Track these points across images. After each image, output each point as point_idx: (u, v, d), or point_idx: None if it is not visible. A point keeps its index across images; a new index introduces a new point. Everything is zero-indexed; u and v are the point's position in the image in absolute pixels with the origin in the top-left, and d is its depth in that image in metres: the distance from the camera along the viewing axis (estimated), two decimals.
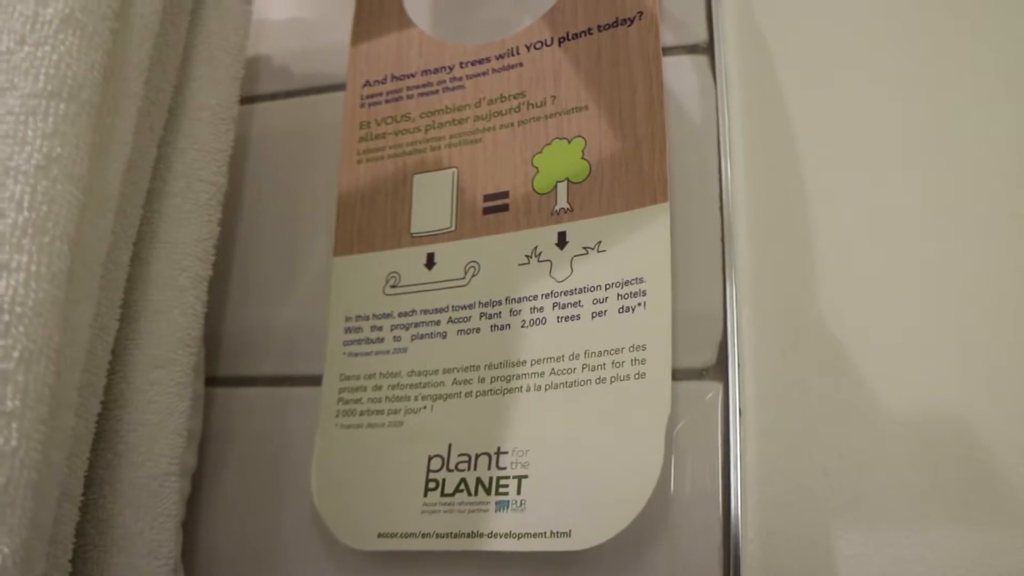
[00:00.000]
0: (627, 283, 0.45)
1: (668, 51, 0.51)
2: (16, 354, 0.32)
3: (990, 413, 0.43)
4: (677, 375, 0.45)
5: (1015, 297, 0.44)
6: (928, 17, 0.49)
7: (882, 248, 0.46)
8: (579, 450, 0.43)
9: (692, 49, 0.52)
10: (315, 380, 0.52)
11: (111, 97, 0.40)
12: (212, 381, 0.55)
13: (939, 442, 0.43)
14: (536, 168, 0.49)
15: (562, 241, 0.47)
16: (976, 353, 0.44)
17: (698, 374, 0.46)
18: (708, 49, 0.51)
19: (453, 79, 0.53)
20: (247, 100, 0.55)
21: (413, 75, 0.54)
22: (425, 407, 0.47)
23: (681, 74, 0.51)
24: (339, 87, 0.58)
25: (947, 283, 0.45)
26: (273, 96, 0.62)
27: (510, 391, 0.46)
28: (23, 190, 0.34)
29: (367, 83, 0.55)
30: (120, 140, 0.41)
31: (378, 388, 0.48)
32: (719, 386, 0.46)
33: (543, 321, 0.46)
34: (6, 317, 0.33)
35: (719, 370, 0.46)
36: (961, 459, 0.42)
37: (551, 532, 0.42)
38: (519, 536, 0.42)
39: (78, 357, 0.39)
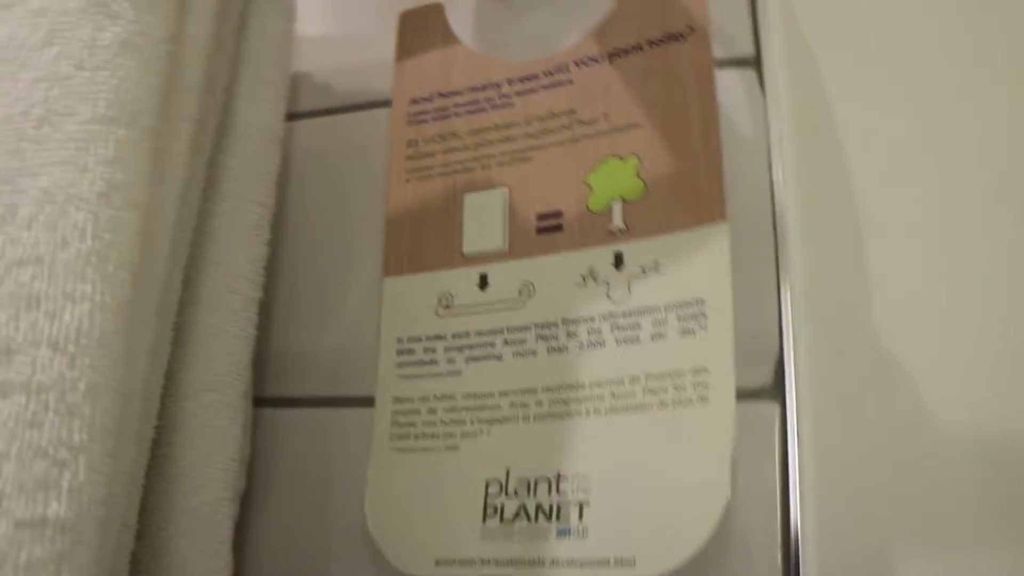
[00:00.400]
0: (687, 304, 0.44)
1: (715, 64, 0.50)
2: (83, 386, 0.32)
3: None
4: (734, 394, 0.44)
5: None
6: (978, 27, 0.49)
7: (937, 262, 0.46)
8: (641, 476, 0.43)
9: (740, 63, 0.51)
10: (362, 401, 0.51)
11: (168, 120, 0.40)
12: (258, 402, 0.54)
13: (1002, 460, 0.42)
14: (589, 187, 0.48)
15: (619, 262, 0.46)
16: None
17: (755, 394, 0.45)
18: (756, 63, 0.51)
19: (501, 96, 0.52)
20: (288, 118, 0.55)
21: (460, 92, 0.53)
22: (481, 431, 0.46)
23: (729, 88, 0.51)
24: (381, 104, 0.58)
25: (1004, 297, 0.44)
26: (313, 113, 0.61)
27: (569, 415, 0.45)
28: (85, 218, 0.34)
29: (413, 100, 0.54)
30: (175, 163, 0.41)
31: (432, 411, 0.48)
32: (776, 406, 0.45)
33: (601, 343, 0.46)
34: (72, 348, 0.32)
35: (776, 390, 0.45)
36: (1022, 476, 0.41)
37: (614, 560, 0.41)
38: (581, 564, 0.42)
39: (137, 386, 0.39)
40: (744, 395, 0.45)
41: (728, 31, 0.52)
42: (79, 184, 0.34)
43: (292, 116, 0.60)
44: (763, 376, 0.46)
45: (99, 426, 0.32)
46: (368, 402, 0.50)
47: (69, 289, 0.33)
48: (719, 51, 0.51)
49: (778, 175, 0.49)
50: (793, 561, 0.43)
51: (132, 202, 0.35)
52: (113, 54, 0.36)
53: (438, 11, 0.56)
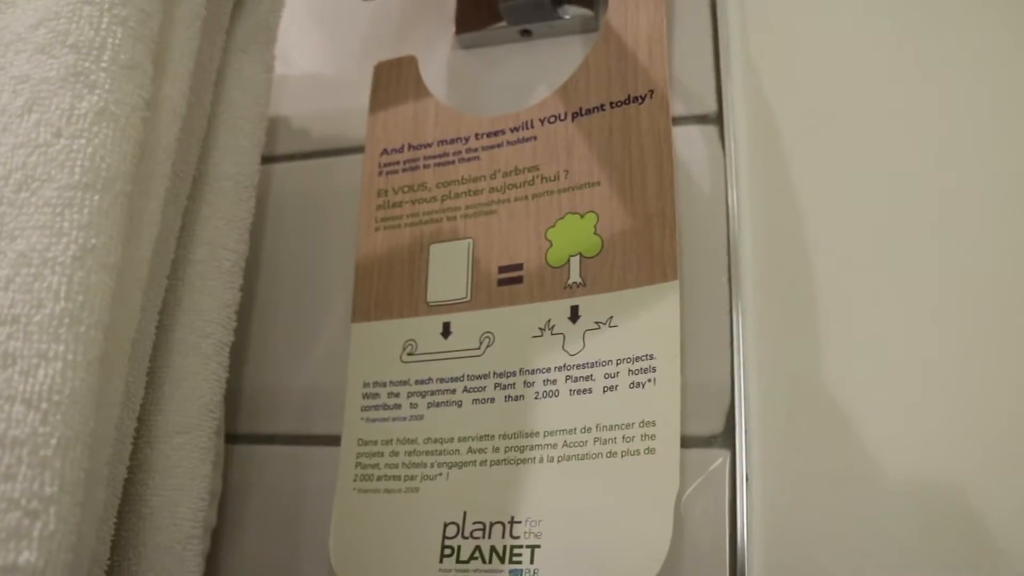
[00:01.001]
0: (638, 359, 0.46)
1: (678, 121, 0.52)
2: (54, 441, 0.34)
3: (991, 481, 0.43)
4: (686, 442, 0.46)
5: (1017, 368, 0.45)
6: (942, 77, 0.50)
7: (889, 317, 0.47)
8: (590, 522, 0.44)
9: (702, 119, 0.53)
10: (331, 440, 0.53)
11: (142, 181, 0.41)
12: (232, 438, 0.56)
13: (941, 510, 0.43)
14: (549, 241, 0.50)
15: (575, 315, 0.48)
16: (978, 422, 0.44)
17: (706, 442, 0.47)
18: (717, 119, 0.53)
19: (469, 150, 0.54)
20: (264, 160, 0.56)
21: (430, 145, 0.55)
22: (441, 474, 0.48)
23: (691, 144, 0.52)
24: (357, 150, 0.59)
25: (954, 352, 0.46)
26: (291, 157, 0.63)
27: (523, 461, 0.47)
28: (60, 281, 0.35)
29: (385, 151, 0.56)
30: (150, 221, 0.43)
31: (395, 454, 0.50)
32: (727, 453, 0.47)
33: (556, 394, 0.47)
34: (44, 405, 0.34)
35: (727, 438, 0.47)
36: (963, 527, 0.43)
37: None
38: None
39: (109, 434, 0.40)
40: (696, 442, 0.47)
41: (692, 88, 0.53)
42: (55, 248, 0.36)
43: (269, 159, 0.61)
44: (714, 425, 0.47)
45: (69, 478, 0.34)
46: (336, 440, 0.52)
47: (43, 348, 0.34)
48: (683, 108, 0.53)
49: (735, 228, 0.50)
50: None
51: (104, 264, 0.37)
52: (90, 123, 0.38)
53: (411, 63, 0.58)
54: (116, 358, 0.40)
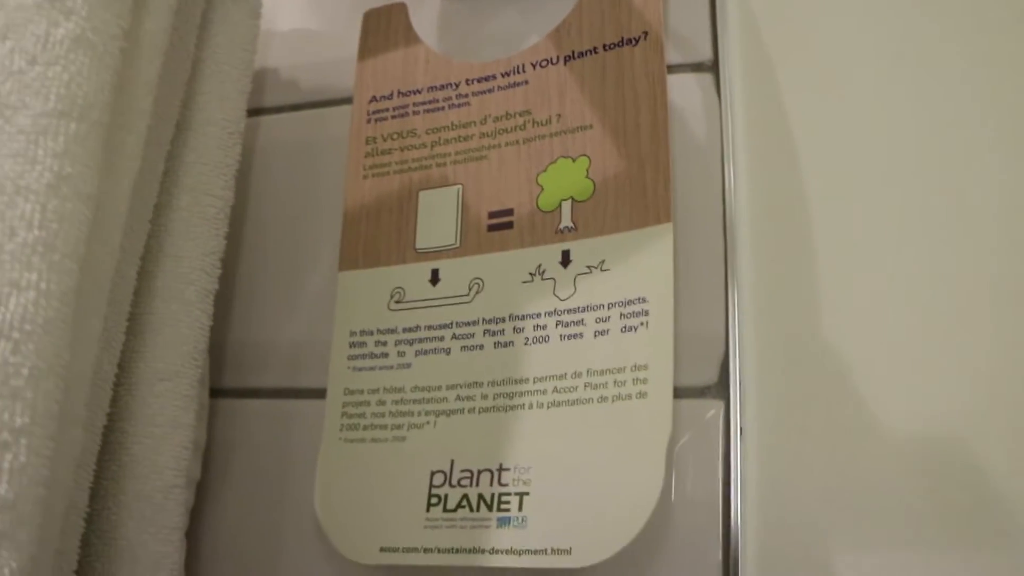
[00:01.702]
0: (630, 303, 0.45)
1: (673, 69, 0.51)
2: (26, 372, 0.33)
3: (992, 435, 0.43)
4: (679, 393, 0.45)
5: (1017, 321, 0.44)
6: (936, 32, 0.50)
7: (886, 268, 0.47)
8: (580, 468, 0.44)
9: (697, 67, 0.52)
10: (318, 393, 0.52)
11: (120, 114, 0.41)
12: (216, 392, 0.55)
13: (941, 464, 0.43)
14: (541, 186, 0.49)
15: (566, 260, 0.47)
16: (979, 375, 0.44)
17: (700, 392, 0.47)
18: (713, 67, 0.52)
19: (459, 96, 0.53)
20: (253, 112, 0.56)
21: (419, 91, 0.54)
22: (428, 422, 0.47)
23: (686, 92, 0.52)
24: (345, 101, 0.58)
25: (951, 304, 0.45)
26: (279, 109, 0.62)
27: (513, 408, 0.46)
28: (33, 209, 0.34)
29: (374, 98, 0.55)
30: (129, 157, 0.42)
31: (382, 403, 0.49)
32: (721, 404, 0.46)
33: (546, 339, 0.47)
34: (16, 335, 0.33)
35: (721, 389, 0.46)
36: (963, 481, 0.42)
37: (552, 549, 0.42)
38: (520, 552, 0.43)
39: (86, 372, 0.39)
40: (689, 393, 0.46)
41: (687, 36, 0.53)
42: (28, 175, 0.35)
43: (257, 111, 0.61)
44: (709, 375, 0.47)
45: (41, 410, 0.33)
46: (324, 394, 0.51)
47: (15, 277, 0.34)
48: (677, 55, 0.52)
49: (730, 178, 0.49)
50: (733, 556, 0.44)
51: (80, 194, 0.36)
52: (66, 50, 0.37)
53: (401, 10, 0.57)
54: (93, 294, 0.39)
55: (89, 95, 0.37)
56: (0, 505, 0.32)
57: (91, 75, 0.37)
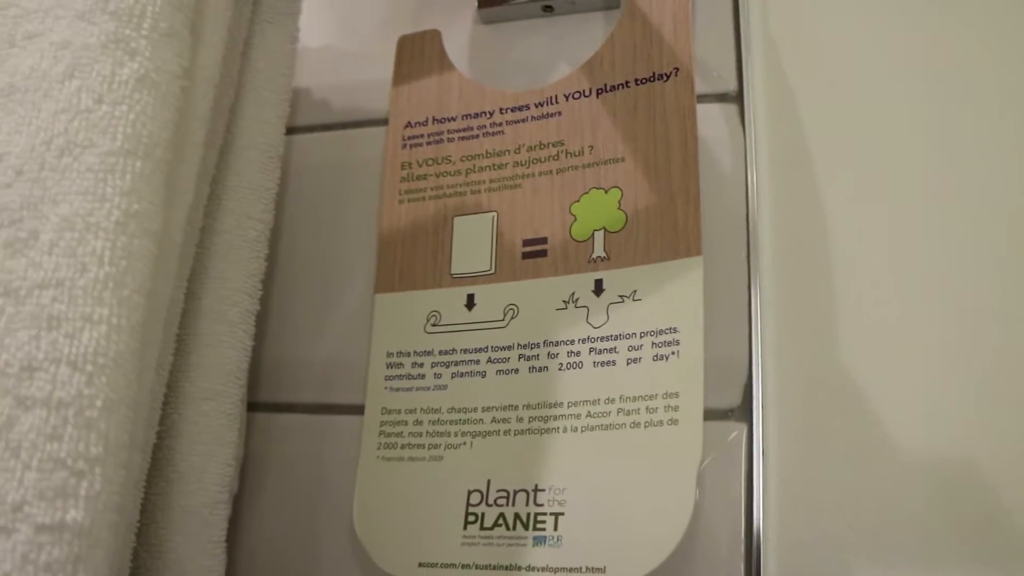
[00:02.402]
0: (661, 332, 0.46)
1: (698, 99, 0.52)
2: (99, 403, 0.34)
3: (1008, 455, 0.44)
4: (704, 415, 0.46)
5: None
6: (960, 57, 0.51)
7: (902, 295, 0.48)
8: (614, 491, 0.45)
9: (722, 98, 0.53)
10: (351, 409, 0.54)
11: (179, 149, 0.42)
12: (253, 406, 0.56)
13: (958, 484, 0.44)
14: (574, 216, 0.51)
15: (599, 288, 0.49)
16: (995, 397, 0.45)
17: (724, 415, 0.48)
18: (738, 98, 0.53)
19: (493, 124, 0.55)
20: (286, 132, 0.56)
21: (454, 118, 0.56)
22: (465, 443, 0.49)
23: (711, 122, 0.53)
24: (378, 122, 0.60)
25: (966, 328, 0.46)
26: (311, 128, 0.63)
27: (547, 431, 0.47)
28: (103, 245, 0.36)
29: (409, 124, 0.57)
30: (184, 189, 0.43)
31: (419, 423, 0.50)
32: (743, 426, 0.47)
33: (580, 365, 0.48)
34: (90, 368, 0.34)
35: (744, 411, 0.48)
36: (979, 500, 0.44)
37: (586, 568, 0.44)
38: (555, 570, 0.44)
39: (145, 398, 0.41)
40: (713, 415, 0.47)
41: (713, 67, 0.54)
42: (98, 213, 0.36)
43: (290, 130, 0.60)
44: (732, 398, 0.48)
45: (114, 439, 0.35)
46: (357, 410, 0.53)
47: (87, 312, 0.35)
48: (703, 86, 0.53)
49: (755, 206, 0.51)
50: (755, 572, 0.45)
51: (147, 230, 0.37)
52: (131, 89, 0.38)
53: (435, 37, 0.58)
54: (152, 324, 0.41)
55: (154, 134, 0.38)
56: (77, 531, 0.33)
57: (155, 114, 0.38)
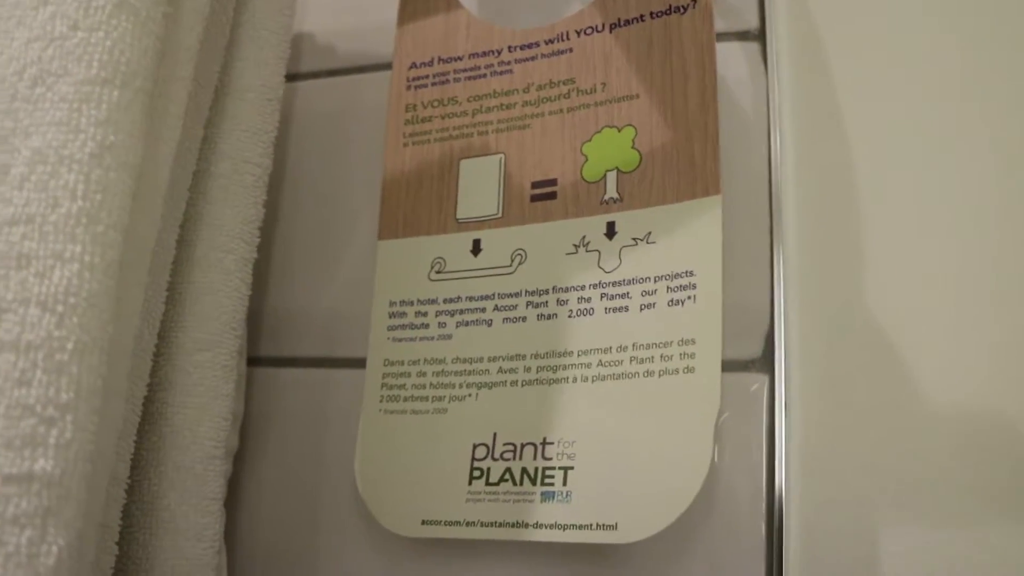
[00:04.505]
0: (677, 276, 0.44)
1: (719, 37, 0.50)
2: (70, 346, 0.32)
3: None
4: (723, 366, 0.44)
5: None
6: (986, 9, 0.48)
7: (933, 241, 0.46)
8: (626, 443, 0.43)
9: (743, 36, 0.51)
10: (356, 363, 0.52)
11: (162, 82, 0.40)
12: (253, 361, 0.55)
13: (988, 438, 0.42)
14: (585, 156, 0.49)
15: (611, 231, 0.47)
16: None
17: (744, 366, 0.46)
18: (760, 36, 0.51)
19: (501, 63, 0.52)
20: (289, 78, 0.54)
21: (461, 58, 0.53)
22: (470, 395, 0.47)
23: (731, 61, 0.51)
24: (383, 66, 0.58)
25: (997, 277, 0.44)
26: (316, 75, 0.61)
27: (556, 381, 0.45)
28: (77, 179, 0.34)
29: (413, 65, 0.54)
30: (171, 125, 0.41)
31: (422, 374, 0.48)
32: (765, 378, 0.46)
33: (591, 312, 0.46)
34: (60, 308, 0.33)
35: (766, 362, 0.46)
36: (1011, 456, 0.42)
37: (597, 524, 0.42)
38: (564, 527, 0.42)
39: (128, 344, 0.39)
40: (734, 366, 0.46)
41: (733, 4, 0.52)
42: (71, 145, 0.34)
43: (293, 77, 0.60)
44: (753, 348, 0.46)
45: (86, 385, 0.33)
46: (361, 363, 0.51)
47: (59, 249, 0.33)
48: (723, 24, 0.51)
49: (777, 149, 0.49)
50: (776, 531, 0.43)
51: (124, 163, 0.35)
52: (108, 15, 0.36)
53: None
54: (135, 265, 0.39)
55: (132, 61, 0.36)
56: (47, 481, 0.31)
57: (134, 41, 0.36)
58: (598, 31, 0.51)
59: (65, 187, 0.34)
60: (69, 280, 0.33)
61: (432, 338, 0.49)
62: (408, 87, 0.54)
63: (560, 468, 0.44)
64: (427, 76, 0.54)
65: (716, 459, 0.44)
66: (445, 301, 0.49)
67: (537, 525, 0.43)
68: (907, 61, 0.49)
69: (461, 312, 0.49)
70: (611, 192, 0.47)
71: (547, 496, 0.43)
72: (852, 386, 0.45)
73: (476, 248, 0.49)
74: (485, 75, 0.53)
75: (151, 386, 0.44)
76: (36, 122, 0.35)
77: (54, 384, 0.32)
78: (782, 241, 0.47)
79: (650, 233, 0.46)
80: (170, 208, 0.44)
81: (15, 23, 0.36)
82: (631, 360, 0.44)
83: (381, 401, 0.49)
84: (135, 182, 0.36)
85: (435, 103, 0.53)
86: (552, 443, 0.44)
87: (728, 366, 0.45)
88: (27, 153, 0.34)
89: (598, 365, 0.45)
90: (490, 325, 0.48)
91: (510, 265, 0.48)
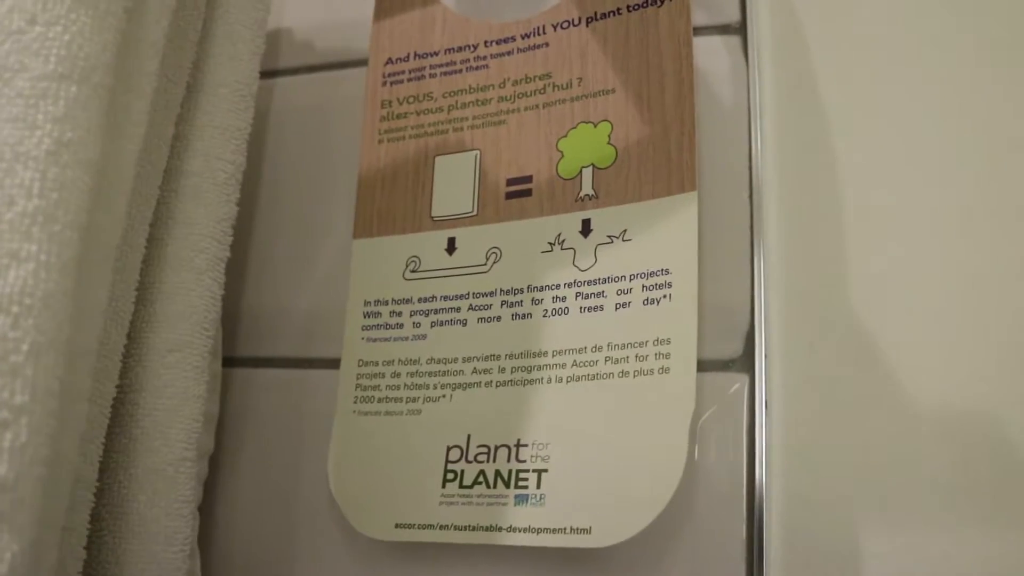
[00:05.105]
0: (652, 274, 0.44)
1: (699, 31, 0.50)
2: (25, 347, 0.32)
3: (1022, 410, 0.42)
4: (703, 366, 0.44)
5: None
6: (969, 3, 0.48)
7: (915, 239, 0.45)
8: (601, 445, 0.42)
9: (724, 29, 0.50)
10: (333, 363, 0.51)
11: (125, 77, 0.39)
12: (229, 361, 0.54)
13: (969, 439, 0.42)
14: (561, 152, 0.48)
15: (586, 229, 0.46)
16: (1008, 348, 0.43)
17: (724, 365, 0.45)
18: (740, 29, 0.50)
19: (477, 58, 0.52)
20: (267, 74, 0.54)
21: (436, 53, 0.53)
22: (444, 395, 0.46)
23: (712, 55, 0.50)
24: (362, 63, 0.57)
25: (978, 277, 0.44)
26: (294, 71, 0.60)
27: (531, 382, 0.45)
28: (32, 176, 0.33)
29: (389, 60, 0.54)
30: (135, 121, 0.40)
31: (396, 375, 0.48)
32: (745, 378, 0.45)
33: (565, 311, 0.45)
34: (15, 309, 0.32)
35: (746, 362, 0.45)
36: (992, 457, 0.41)
37: (571, 528, 0.41)
38: (538, 531, 0.42)
39: (91, 345, 0.38)
40: (713, 366, 0.45)
41: None
42: (27, 141, 0.33)
43: (272, 73, 0.59)
44: (733, 348, 0.45)
45: (42, 387, 0.32)
46: (337, 364, 0.50)
47: (14, 248, 0.32)
48: (704, 17, 0.50)
49: (757, 144, 0.48)
50: (757, 533, 0.43)
51: (81, 160, 0.34)
52: (67, 9, 0.35)
53: None
54: (97, 264, 0.38)
55: (91, 56, 0.35)
56: (0, 486, 0.31)
57: (93, 35, 0.35)
58: (575, 25, 0.50)
59: (21, 185, 0.33)
60: (24, 280, 0.32)
61: (407, 338, 0.48)
62: (384, 83, 0.53)
63: (534, 471, 0.43)
64: (403, 72, 0.53)
65: (696, 459, 0.44)
66: (420, 300, 0.48)
67: (511, 529, 0.42)
68: (890, 55, 0.48)
69: (436, 312, 0.48)
70: (587, 189, 0.47)
71: (521, 499, 0.43)
72: (833, 386, 0.44)
73: (451, 246, 0.49)
74: (460, 70, 0.52)
75: (121, 387, 0.44)
76: None
77: (8, 386, 0.31)
78: (763, 239, 0.47)
79: (626, 230, 0.45)
80: (138, 206, 0.43)
81: None
82: (606, 360, 0.43)
83: (355, 402, 0.48)
84: (94, 179, 0.35)
85: (410, 99, 0.52)
86: (526, 445, 0.44)
87: (708, 366, 0.45)
88: None
89: (573, 365, 0.44)
90: (465, 325, 0.47)
91: (485, 264, 0.48)
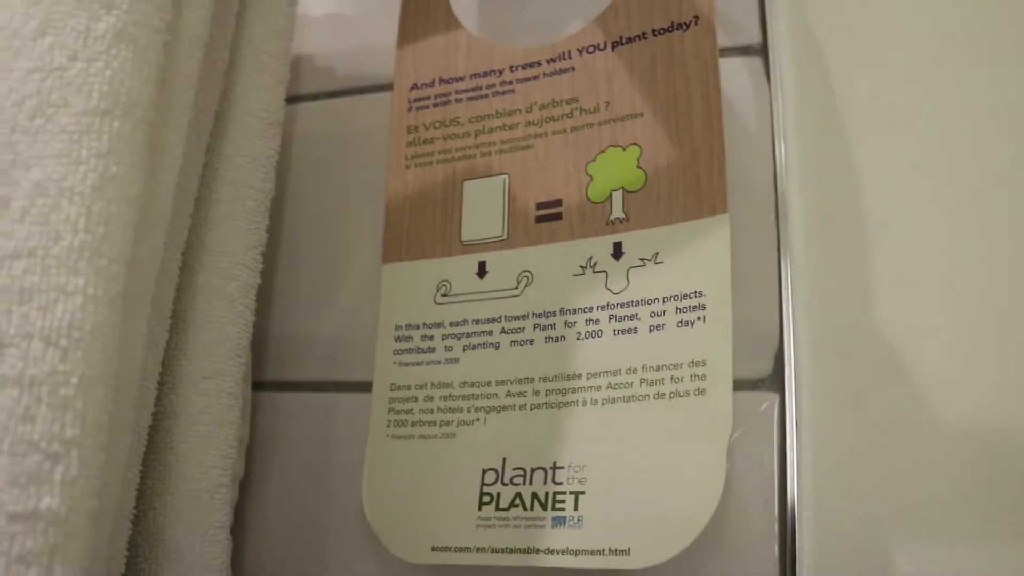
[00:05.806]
0: (686, 296, 0.44)
1: (721, 52, 0.49)
2: (75, 380, 0.32)
3: None
4: (733, 385, 0.44)
5: None
6: (988, 20, 0.48)
7: (941, 257, 0.45)
8: (637, 467, 0.43)
9: (745, 50, 0.51)
10: (360, 386, 0.51)
11: (163, 110, 0.39)
12: (257, 386, 0.54)
13: (1002, 456, 0.42)
14: (590, 176, 0.48)
15: (618, 252, 0.46)
16: None
17: (754, 384, 0.46)
18: (762, 50, 0.50)
19: (503, 83, 0.52)
20: (289, 100, 0.54)
21: (462, 78, 0.53)
22: (478, 419, 0.46)
23: (734, 76, 0.50)
24: (383, 87, 0.57)
25: (1008, 293, 0.44)
26: (315, 96, 0.61)
27: (566, 405, 0.45)
28: (78, 212, 0.33)
29: (415, 86, 0.54)
30: (171, 154, 0.41)
31: (429, 399, 0.48)
32: (775, 397, 0.45)
33: (599, 334, 0.45)
34: (64, 343, 0.32)
35: (775, 381, 0.45)
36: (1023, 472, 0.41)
37: (609, 550, 0.41)
38: (576, 553, 0.42)
39: (133, 376, 0.39)
40: (743, 385, 0.45)
41: (735, 19, 0.51)
42: (72, 177, 0.34)
43: (293, 99, 0.59)
44: (763, 367, 0.46)
45: (92, 420, 0.32)
46: (366, 387, 0.50)
47: (62, 282, 0.33)
48: (725, 39, 0.51)
49: (782, 164, 0.48)
50: (789, 551, 0.43)
51: (126, 195, 0.35)
52: (108, 45, 0.35)
53: None
54: (139, 297, 0.38)
55: (132, 91, 0.36)
56: (52, 519, 0.31)
57: (134, 71, 0.36)
58: (600, 49, 0.50)
59: (67, 220, 0.33)
60: (72, 314, 0.32)
61: (439, 362, 0.48)
62: (409, 108, 0.54)
63: (571, 492, 0.43)
64: (428, 97, 0.54)
65: (728, 479, 0.44)
66: (451, 324, 0.49)
67: (549, 551, 0.42)
68: (909, 73, 0.48)
69: (468, 335, 0.48)
70: (617, 212, 0.47)
71: (558, 521, 0.43)
72: (863, 403, 0.44)
73: (482, 270, 0.49)
74: (487, 95, 0.52)
75: (156, 415, 0.44)
76: (36, 154, 0.34)
77: (59, 420, 0.32)
78: (790, 257, 0.47)
79: (657, 253, 0.45)
80: (172, 236, 0.44)
81: (13, 54, 0.36)
82: (641, 382, 0.44)
83: (388, 426, 0.48)
84: (137, 213, 0.36)
85: (437, 124, 0.53)
86: (563, 467, 0.44)
87: (738, 385, 0.44)
88: (27, 186, 0.34)
89: (608, 388, 0.44)
90: (497, 348, 0.47)
91: (516, 287, 0.48)
